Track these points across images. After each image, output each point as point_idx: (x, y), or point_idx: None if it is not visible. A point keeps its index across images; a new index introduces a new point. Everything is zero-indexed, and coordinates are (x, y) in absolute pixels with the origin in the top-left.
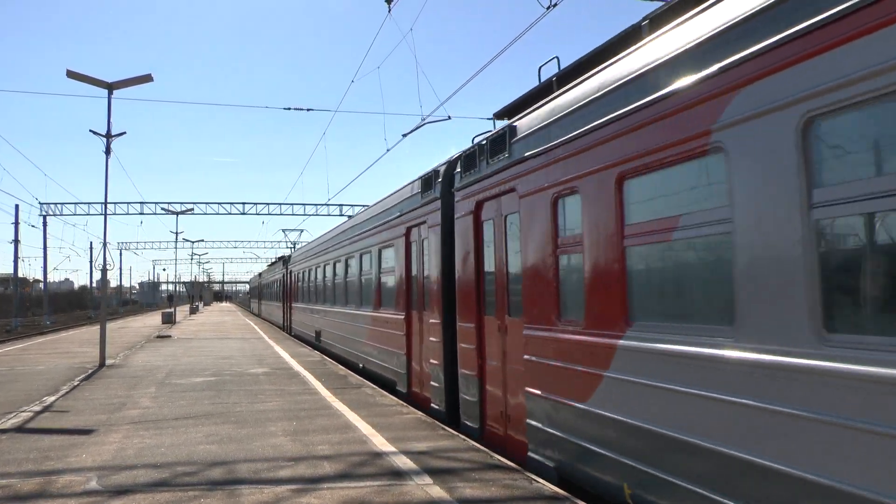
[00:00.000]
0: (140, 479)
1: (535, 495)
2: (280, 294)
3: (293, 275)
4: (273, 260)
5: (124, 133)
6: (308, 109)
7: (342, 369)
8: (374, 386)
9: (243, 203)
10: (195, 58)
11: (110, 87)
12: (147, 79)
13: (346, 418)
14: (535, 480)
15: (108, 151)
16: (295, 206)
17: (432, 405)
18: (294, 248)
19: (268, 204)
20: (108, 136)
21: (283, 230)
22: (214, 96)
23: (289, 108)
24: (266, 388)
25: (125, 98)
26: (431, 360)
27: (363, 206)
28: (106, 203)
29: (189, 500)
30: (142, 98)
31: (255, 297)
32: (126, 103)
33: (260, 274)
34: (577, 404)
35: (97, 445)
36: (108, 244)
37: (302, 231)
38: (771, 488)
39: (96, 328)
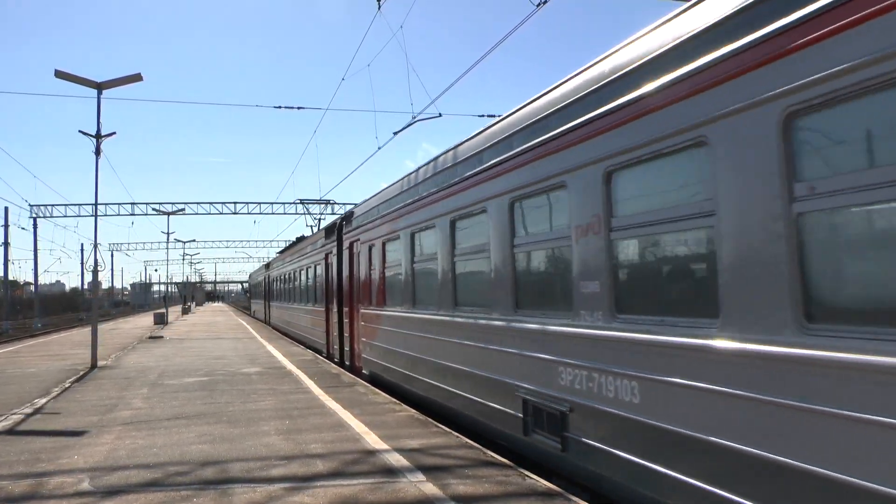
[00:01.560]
0: (132, 480)
1: (529, 491)
2: (321, 292)
3: (363, 249)
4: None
5: (114, 133)
6: (299, 108)
7: (335, 368)
8: (367, 384)
9: (235, 203)
10: (184, 57)
11: (99, 87)
12: (136, 78)
13: (339, 417)
14: (528, 476)
15: (97, 152)
16: (286, 205)
17: None
18: (317, 226)
19: (259, 203)
20: (98, 136)
21: (303, 201)
22: (204, 96)
23: (279, 107)
24: (259, 388)
25: (115, 98)
26: None
27: (353, 204)
28: (96, 204)
29: (181, 500)
30: (131, 98)
31: (259, 296)
32: (115, 103)
33: (268, 265)
34: None
35: (89, 447)
36: (98, 245)
37: (329, 202)
38: None
39: (87, 330)
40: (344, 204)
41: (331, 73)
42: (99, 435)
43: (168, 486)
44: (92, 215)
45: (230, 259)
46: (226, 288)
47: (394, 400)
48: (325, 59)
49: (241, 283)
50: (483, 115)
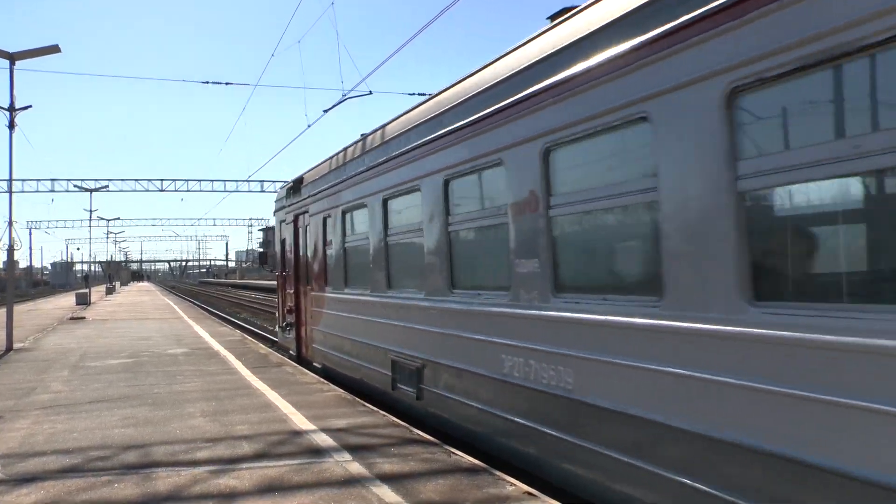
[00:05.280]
0: (49, 466)
1: (454, 468)
2: None
3: None
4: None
5: (30, 107)
6: (227, 83)
7: (263, 348)
8: (296, 364)
9: (161, 180)
10: (107, 30)
11: (12, 58)
12: (54, 49)
13: (267, 397)
14: (453, 453)
15: (11, 126)
16: (215, 183)
17: None
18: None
19: (187, 180)
20: (12, 109)
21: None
22: (129, 70)
23: (207, 83)
24: (185, 369)
25: (30, 70)
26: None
27: (285, 181)
28: (11, 180)
29: (101, 486)
30: (49, 70)
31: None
32: (33, 76)
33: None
34: None
35: (2, 433)
36: (13, 223)
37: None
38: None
39: (2, 311)
40: (273, 181)
41: (260, 49)
42: (14, 420)
43: (88, 472)
44: (6, 192)
45: (157, 237)
46: (152, 267)
47: (322, 380)
48: (254, 35)
49: (169, 262)
50: (413, 94)
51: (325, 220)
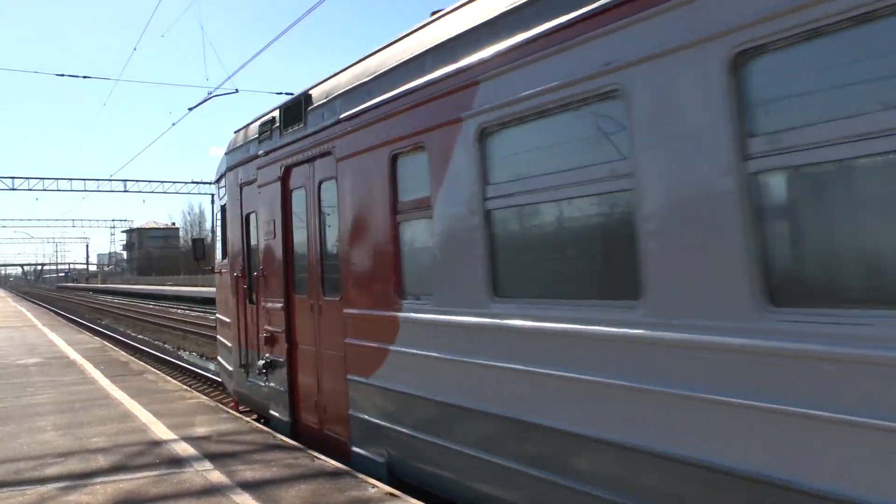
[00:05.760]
0: None
1: (318, 472)
2: None
3: None
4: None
5: None
6: (85, 77)
7: (124, 355)
8: (158, 372)
9: (13, 178)
10: None
11: None
12: None
13: (125, 407)
14: (317, 458)
15: None
16: (74, 182)
17: None
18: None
19: (42, 178)
20: None
21: None
22: None
23: (62, 75)
24: (37, 381)
25: None
26: None
27: (150, 181)
28: None
29: None
30: None
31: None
32: None
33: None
34: None
35: None
36: None
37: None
38: None
39: None
40: (137, 180)
41: (122, 42)
42: None
43: None
44: None
45: (8, 240)
46: (3, 272)
47: (185, 387)
48: (115, 27)
49: (22, 265)
50: (280, 93)
51: (393, 159)
